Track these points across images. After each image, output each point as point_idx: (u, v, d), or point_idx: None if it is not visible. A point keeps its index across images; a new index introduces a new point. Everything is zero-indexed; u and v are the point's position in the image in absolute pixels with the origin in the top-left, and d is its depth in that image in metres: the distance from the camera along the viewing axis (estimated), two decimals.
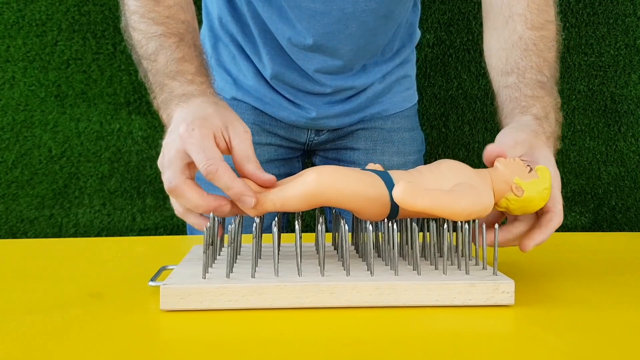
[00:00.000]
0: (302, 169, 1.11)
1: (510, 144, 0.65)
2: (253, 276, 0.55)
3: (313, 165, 1.11)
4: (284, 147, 1.03)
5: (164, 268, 0.63)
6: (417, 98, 1.10)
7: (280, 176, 1.05)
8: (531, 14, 0.78)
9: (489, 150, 0.62)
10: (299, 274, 0.55)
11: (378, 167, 0.66)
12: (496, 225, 0.57)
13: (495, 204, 0.61)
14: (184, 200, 0.58)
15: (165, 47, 0.70)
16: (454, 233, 0.59)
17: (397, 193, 0.53)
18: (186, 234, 1.39)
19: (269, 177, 0.58)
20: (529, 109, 0.72)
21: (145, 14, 0.73)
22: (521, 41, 0.77)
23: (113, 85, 1.35)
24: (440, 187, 0.59)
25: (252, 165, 0.59)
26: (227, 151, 0.61)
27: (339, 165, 1.03)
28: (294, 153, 1.05)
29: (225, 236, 0.81)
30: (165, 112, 0.67)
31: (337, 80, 0.96)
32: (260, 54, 0.96)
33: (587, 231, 1.42)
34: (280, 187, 0.58)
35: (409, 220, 0.60)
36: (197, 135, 0.58)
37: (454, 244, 0.61)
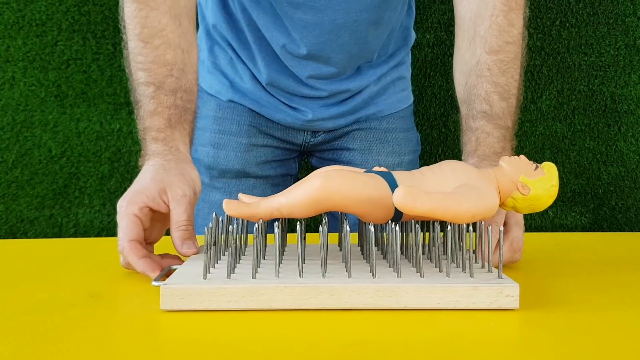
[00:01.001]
0: (299, 169, 1.11)
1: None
2: (254, 277, 0.55)
3: (310, 165, 1.11)
4: (280, 149, 1.04)
5: (169, 268, 0.63)
6: (412, 99, 1.11)
7: (278, 177, 1.05)
8: (491, 37, 0.78)
9: None
10: (300, 275, 0.55)
11: (383, 168, 0.66)
12: (501, 228, 0.57)
13: (502, 203, 0.61)
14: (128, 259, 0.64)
15: (143, 96, 0.74)
16: (459, 235, 0.59)
17: (396, 197, 0.53)
18: None
19: (186, 250, 0.65)
20: (465, 146, 0.77)
21: (134, 57, 0.75)
22: (477, 66, 0.78)
23: (113, 85, 1.35)
24: (443, 189, 0.58)
25: (178, 234, 0.65)
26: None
27: (334, 164, 1.04)
28: (290, 154, 1.06)
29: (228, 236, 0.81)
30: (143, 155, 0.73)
31: (331, 85, 0.97)
32: (256, 60, 0.97)
33: (587, 231, 1.42)
34: (286, 193, 0.58)
35: (412, 221, 0.60)
36: (122, 212, 0.65)
37: (458, 245, 0.61)
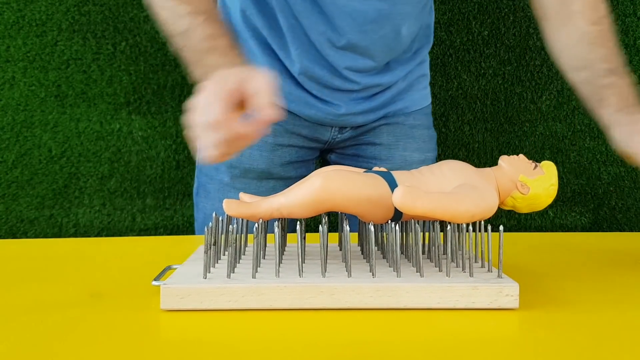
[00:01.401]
0: (317, 168, 1.10)
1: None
2: (254, 276, 0.55)
3: (328, 161, 1.10)
4: (305, 148, 1.03)
5: (168, 267, 0.63)
6: (431, 98, 1.12)
7: (297, 178, 1.03)
8: (588, 11, 0.86)
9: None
10: (300, 275, 0.55)
11: (383, 168, 0.66)
12: (501, 227, 0.57)
13: (502, 203, 0.61)
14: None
15: (195, 25, 0.75)
16: (458, 234, 0.59)
17: (396, 197, 0.53)
18: (187, 234, 1.39)
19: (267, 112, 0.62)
20: (603, 103, 0.82)
21: None
22: (585, 36, 0.85)
23: (113, 85, 1.35)
24: (443, 189, 0.58)
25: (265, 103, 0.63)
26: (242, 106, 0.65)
27: (357, 160, 1.03)
28: (313, 154, 1.05)
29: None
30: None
31: (366, 78, 0.97)
32: (289, 49, 0.95)
33: (587, 231, 1.42)
34: (286, 194, 0.58)
35: (412, 221, 0.60)
36: (210, 90, 0.64)
37: (458, 245, 0.61)
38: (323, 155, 1.10)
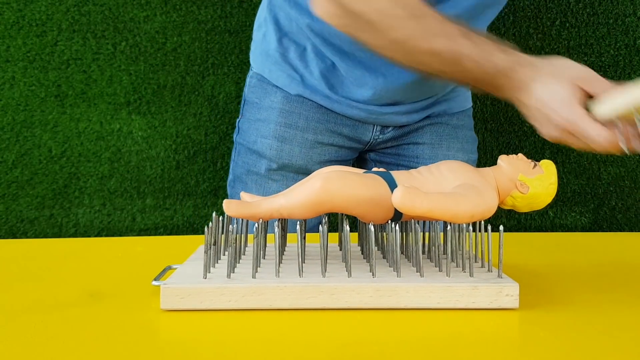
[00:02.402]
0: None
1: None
2: (254, 276, 0.55)
3: (369, 159, 1.09)
4: (345, 148, 1.02)
5: (168, 267, 0.63)
6: (472, 101, 1.12)
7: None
8: None
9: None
10: (300, 275, 0.55)
11: (382, 169, 0.66)
12: (501, 227, 0.57)
13: (502, 202, 0.61)
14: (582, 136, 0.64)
15: (476, 43, 0.71)
16: (459, 234, 0.59)
17: (395, 198, 0.53)
18: (187, 234, 1.39)
19: None
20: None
21: (427, 27, 0.72)
22: None
23: (113, 85, 1.35)
24: (442, 189, 0.58)
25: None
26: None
27: (398, 158, 1.03)
28: (352, 154, 1.05)
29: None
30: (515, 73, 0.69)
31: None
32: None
33: (587, 231, 1.42)
34: (287, 194, 0.58)
35: (412, 221, 0.60)
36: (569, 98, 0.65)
37: (458, 245, 0.61)
38: (362, 155, 1.10)
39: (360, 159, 1.11)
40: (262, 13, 1.04)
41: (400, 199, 0.53)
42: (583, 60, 1.38)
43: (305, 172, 1.00)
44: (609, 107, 0.62)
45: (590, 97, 0.66)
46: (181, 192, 1.39)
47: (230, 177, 1.08)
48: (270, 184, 1.01)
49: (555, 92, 0.66)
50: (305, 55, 0.97)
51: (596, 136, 0.63)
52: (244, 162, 1.03)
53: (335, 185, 0.56)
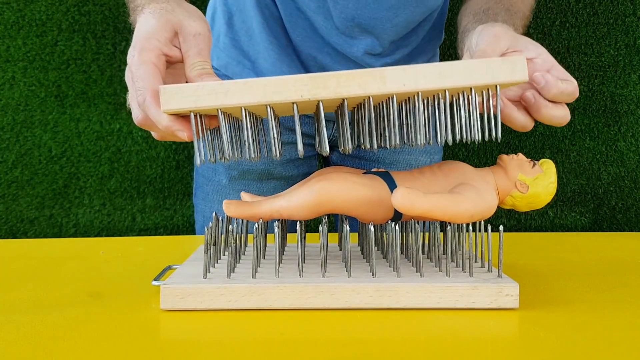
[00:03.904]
0: (318, 168, 1.07)
1: (490, 40, 0.61)
2: (254, 276, 0.55)
3: (330, 161, 1.06)
4: (305, 145, 0.98)
5: (169, 267, 0.63)
6: None
7: (300, 176, 0.99)
8: None
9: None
10: (300, 275, 0.55)
11: (382, 169, 0.66)
12: (501, 227, 0.57)
13: (501, 202, 0.61)
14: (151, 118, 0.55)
15: None
16: (459, 234, 0.59)
17: (395, 199, 0.53)
18: (187, 234, 1.39)
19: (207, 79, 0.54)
20: (494, 20, 0.71)
21: None
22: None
23: (113, 85, 1.35)
24: (441, 189, 0.58)
25: (193, 73, 0.55)
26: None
27: (359, 161, 1.01)
28: (314, 150, 1.00)
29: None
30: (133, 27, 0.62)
31: (373, 62, 0.89)
32: (290, 36, 0.87)
33: (587, 231, 1.42)
34: (286, 196, 0.58)
35: (412, 221, 0.60)
36: (135, 63, 0.55)
37: (458, 245, 0.61)
38: (324, 156, 1.07)
39: (324, 159, 1.07)
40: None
41: (400, 200, 0.53)
42: (583, 60, 1.38)
43: (268, 176, 0.95)
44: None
45: None
46: (181, 192, 1.39)
47: (194, 186, 1.03)
48: (233, 196, 0.95)
49: None
50: (255, 35, 0.90)
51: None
52: (205, 171, 0.98)
53: (335, 187, 0.56)
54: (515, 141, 1.41)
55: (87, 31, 1.33)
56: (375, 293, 0.53)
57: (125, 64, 1.34)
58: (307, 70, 0.90)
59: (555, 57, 1.51)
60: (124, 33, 1.34)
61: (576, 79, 1.39)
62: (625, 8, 1.38)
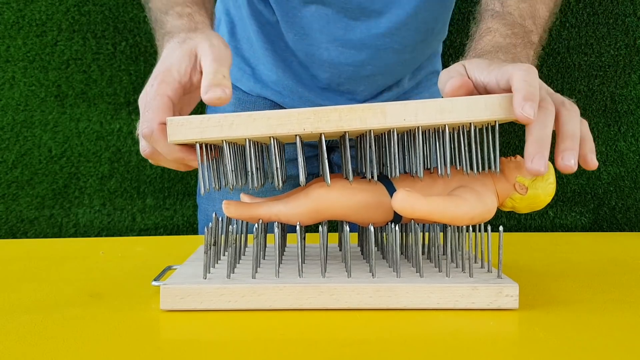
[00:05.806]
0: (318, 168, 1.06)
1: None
2: (254, 277, 0.55)
3: (331, 162, 1.05)
4: (306, 146, 0.97)
5: (168, 268, 0.63)
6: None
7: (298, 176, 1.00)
8: None
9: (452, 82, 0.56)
10: (299, 275, 0.55)
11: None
12: (500, 228, 0.57)
13: (501, 204, 0.61)
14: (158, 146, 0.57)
15: None
16: (458, 235, 0.59)
17: (395, 202, 0.53)
18: (187, 234, 1.39)
19: (209, 96, 0.55)
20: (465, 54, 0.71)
21: None
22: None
23: (113, 85, 1.35)
24: (441, 192, 0.58)
25: (204, 82, 0.56)
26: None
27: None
28: (314, 151, 1.00)
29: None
30: (160, 51, 0.65)
31: (370, 87, 0.92)
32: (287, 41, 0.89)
33: (587, 231, 1.42)
34: (285, 201, 0.58)
35: (412, 221, 0.60)
36: (151, 93, 0.57)
37: (458, 245, 0.61)
38: (327, 153, 1.07)
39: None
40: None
41: (400, 203, 0.53)
42: (583, 60, 1.38)
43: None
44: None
45: None
46: (181, 192, 1.39)
47: (198, 185, 1.03)
48: (234, 194, 0.95)
49: None
50: (255, 45, 0.92)
51: None
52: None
53: (333, 194, 0.57)
54: (515, 141, 1.41)
55: (87, 31, 1.33)
56: (375, 293, 0.53)
57: (125, 64, 1.34)
58: (305, 72, 0.91)
59: (555, 57, 1.51)
60: (124, 33, 1.34)
61: (576, 79, 1.40)
62: (625, 8, 1.38)
